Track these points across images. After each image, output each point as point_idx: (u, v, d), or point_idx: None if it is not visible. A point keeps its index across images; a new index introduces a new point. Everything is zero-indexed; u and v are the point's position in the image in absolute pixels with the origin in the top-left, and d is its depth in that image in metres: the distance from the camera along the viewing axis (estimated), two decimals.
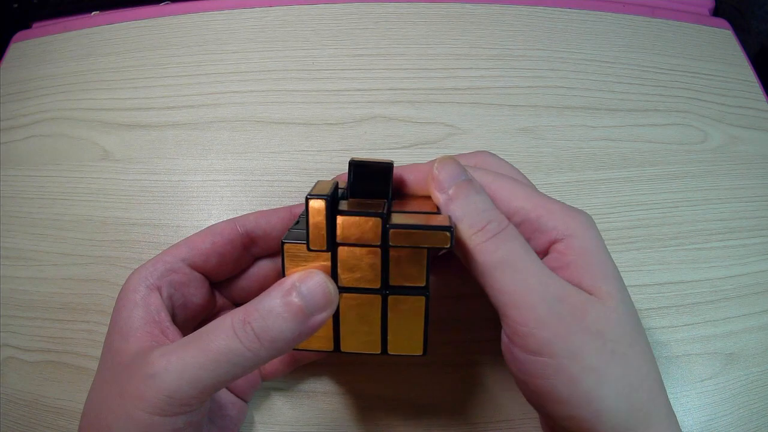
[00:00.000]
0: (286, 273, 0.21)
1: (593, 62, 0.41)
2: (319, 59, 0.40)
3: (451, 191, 0.22)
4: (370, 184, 0.22)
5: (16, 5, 0.47)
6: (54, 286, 0.33)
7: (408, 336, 0.22)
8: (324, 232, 0.20)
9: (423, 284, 0.21)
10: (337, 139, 0.37)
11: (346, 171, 0.23)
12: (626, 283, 0.25)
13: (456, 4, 0.43)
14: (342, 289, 0.21)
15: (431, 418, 0.30)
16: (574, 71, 0.41)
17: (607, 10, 0.44)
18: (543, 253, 0.22)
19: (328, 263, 0.21)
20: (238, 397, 0.28)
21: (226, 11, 0.43)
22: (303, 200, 0.20)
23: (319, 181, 0.22)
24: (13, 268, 0.34)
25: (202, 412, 0.21)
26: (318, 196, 0.20)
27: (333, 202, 0.20)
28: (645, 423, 0.20)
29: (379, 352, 0.22)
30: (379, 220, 0.20)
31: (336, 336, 0.22)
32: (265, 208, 0.27)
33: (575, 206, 0.23)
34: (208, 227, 0.25)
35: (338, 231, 0.20)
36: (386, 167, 0.23)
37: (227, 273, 0.26)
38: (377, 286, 0.21)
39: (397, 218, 0.21)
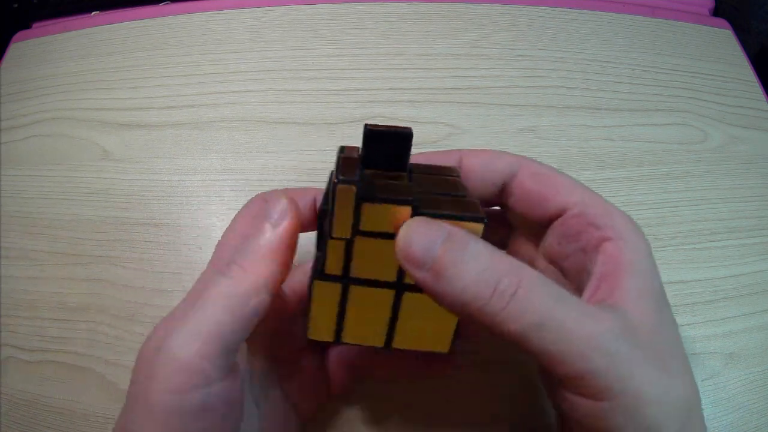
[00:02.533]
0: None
1: (594, 62, 0.41)
2: (319, 59, 0.40)
3: (432, 265, 0.17)
4: (387, 153, 0.20)
5: (16, 5, 0.47)
6: (54, 286, 0.33)
7: (431, 331, 0.21)
8: (351, 221, 0.19)
9: None
10: (337, 139, 0.37)
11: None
12: None
13: (456, 4, 0.43)
14: (353, 280, 0.20)
15: (437, 420, 0.30)
16: (575, 71, 0.41)
17: (607, 10, 0.44)
18: (593, 249, 0.21)
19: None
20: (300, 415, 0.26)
21: (225, 11, 0.43)
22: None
23: (343, 150, 0.21)
24: (13, 268, 0.34)
25: (229, 384, 0.19)
26: (348, 181, 0.18)
27: (361, 187, 0.18)
28: None
29: (382, 345, 0.22)
30: (408, 208, 0.19)
31: (339, 327, 0.22)
32: None
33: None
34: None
35: (362, 219, 0.19)
36: (405, 135, 0.20)
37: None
38: (392, 279, 0.20)
39: (426, 204, 0.19)
